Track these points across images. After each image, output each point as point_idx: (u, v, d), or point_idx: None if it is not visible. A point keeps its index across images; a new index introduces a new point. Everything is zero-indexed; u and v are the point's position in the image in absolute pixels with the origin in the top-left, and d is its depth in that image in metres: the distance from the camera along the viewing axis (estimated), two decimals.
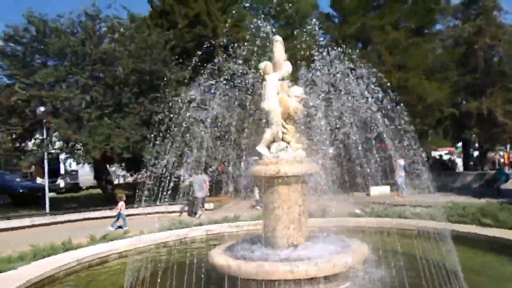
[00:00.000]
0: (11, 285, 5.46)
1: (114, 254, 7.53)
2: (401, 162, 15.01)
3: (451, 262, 5.51)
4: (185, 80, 19.10)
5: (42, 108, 14.92)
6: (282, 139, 5.72)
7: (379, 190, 20.68)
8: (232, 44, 19.17)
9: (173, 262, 6.49)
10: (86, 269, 6.90)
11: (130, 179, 28.33)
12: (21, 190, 21.84)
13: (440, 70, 22.04)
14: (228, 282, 4.99)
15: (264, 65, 5.82)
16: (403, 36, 19.23)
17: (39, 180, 27.21)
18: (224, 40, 18.83)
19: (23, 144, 18.28)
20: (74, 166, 27.80)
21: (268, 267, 4.82)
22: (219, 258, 5.28)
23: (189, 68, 18.85)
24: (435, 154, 35.84)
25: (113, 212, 12.30)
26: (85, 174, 28.51)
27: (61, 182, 28.69)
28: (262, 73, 5.82)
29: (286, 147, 5.66)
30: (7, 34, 14.95)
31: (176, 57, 18.95)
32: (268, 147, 5.69)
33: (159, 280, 5.50)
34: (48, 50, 15.61)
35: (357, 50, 20.37)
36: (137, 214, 12.93)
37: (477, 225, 7.96)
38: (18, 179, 25.09)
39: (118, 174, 31.03)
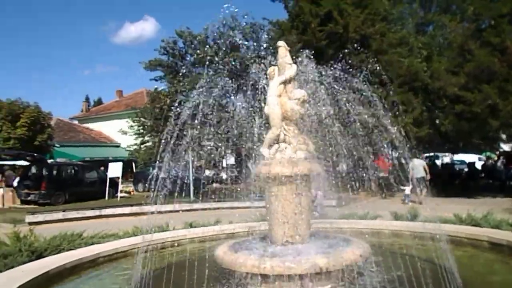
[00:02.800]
0: (85, 255, 7.13)
1: (185, 239, 8.79)
2: None
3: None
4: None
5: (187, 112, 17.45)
6: (284, 141, 5.95)
7: None
8: (364, 38, 18.89)
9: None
10: (157, 250, 8.26)
11: None
12: (185, 181, 25.69)
13: None
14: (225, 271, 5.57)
15: (270, 70, 6.12)
16: None
17: (206, 172, 31.42)
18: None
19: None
20: (233, 160, 31.11)
21: (241, 260, 5.23)
22: (219, 248, 5.88)
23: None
24: None
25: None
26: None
27: (223, 175, 32.40)
28: (268, 78, 6.14)
29: (286, 148, 5.88)
30: (162, 47, 18.10)
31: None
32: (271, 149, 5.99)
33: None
34: (193, 60, 18.22)
35: None
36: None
37: None
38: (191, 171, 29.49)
39: None
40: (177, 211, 15.30)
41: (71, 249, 7.60)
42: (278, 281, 5.03)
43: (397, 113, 19.65)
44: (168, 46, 17.88)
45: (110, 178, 21.24)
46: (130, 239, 8.61)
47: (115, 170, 21.26)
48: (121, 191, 21.69)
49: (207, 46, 17.65)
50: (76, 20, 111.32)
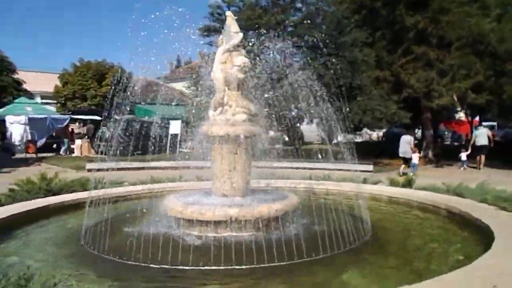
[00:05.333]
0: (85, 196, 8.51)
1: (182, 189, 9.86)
2: None
3: None
4: (369, 41, 19.10)
5: None
6: (227, 104, 6.52)
7: None
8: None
9: None
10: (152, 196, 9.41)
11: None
12: None
13: None
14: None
15: (219, 39, 6.65)
16: None
17: (271, 133, 32.40)
18: None
19: None
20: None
21: (172, 206, 6.08)
22: (168, 196, 6.76)
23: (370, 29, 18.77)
24: None
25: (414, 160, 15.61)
26: (310, 130, 31.75)
27: (285, 137, 32.93)
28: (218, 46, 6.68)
29: (227, 111, 6.46)
30: (209, 13, 18.97)
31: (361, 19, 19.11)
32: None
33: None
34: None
35: None
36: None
37: None
38: None
39: None
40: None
41: (81, 191, 9.04)
42: (197, 226, 5.83)
43: (454, 77, 18.51)
44: (214, 12, 18.60)
45: (171, 134, 23.16)
46: (133, 187, 9.91)
47: (175, 127, 23.09)
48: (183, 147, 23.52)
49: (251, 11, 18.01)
50: None
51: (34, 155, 20.32)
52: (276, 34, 18.63)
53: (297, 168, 14.98)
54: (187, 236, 5.72)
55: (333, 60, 17.84)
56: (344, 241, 5.42)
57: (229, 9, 18.86)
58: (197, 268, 4.71)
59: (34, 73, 35.14)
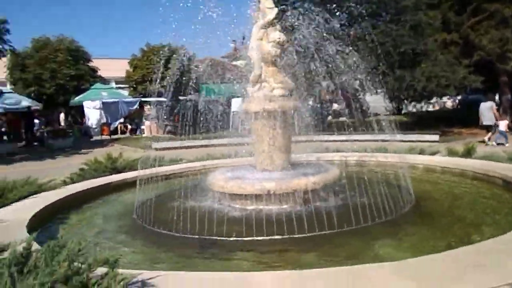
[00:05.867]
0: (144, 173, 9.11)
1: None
2: None
3: None
4: (434, 2, 17.87)
5: None
6: (265, 81, 6.60)
7: None
8: None
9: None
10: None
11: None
12: None
13: None
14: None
15: (254, 15, 6.69)
16: None
17: (334, 106, 31.72)
18: None
19: None
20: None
21: (214, 181, 6.37)
22: (211, 173, 7.04)
23: None
24: None
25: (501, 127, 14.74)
26: (375, 101, 30.56)
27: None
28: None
29: (264, 87, 6.55)
30: None
31: None
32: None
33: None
34: None
35: None
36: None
37: None
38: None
39: None
40: None
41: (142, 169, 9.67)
42: (237, 199, 6.07)
43: None
44: None
45: (233, 112, 23.64)
46: (189, 163, 10.39)
47: (236, 104, 23.51)
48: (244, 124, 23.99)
49: None
50: None
51: (108, 137, 21.93)
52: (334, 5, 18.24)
53: (357, 140, 14.67)
54: (227, 209, 5.99)
55: (394, 26, 17.06)
56: (380, 213, 5.36)
57: None
58: (231, 239, 4.94)
59: (107, 60, 37.33)
